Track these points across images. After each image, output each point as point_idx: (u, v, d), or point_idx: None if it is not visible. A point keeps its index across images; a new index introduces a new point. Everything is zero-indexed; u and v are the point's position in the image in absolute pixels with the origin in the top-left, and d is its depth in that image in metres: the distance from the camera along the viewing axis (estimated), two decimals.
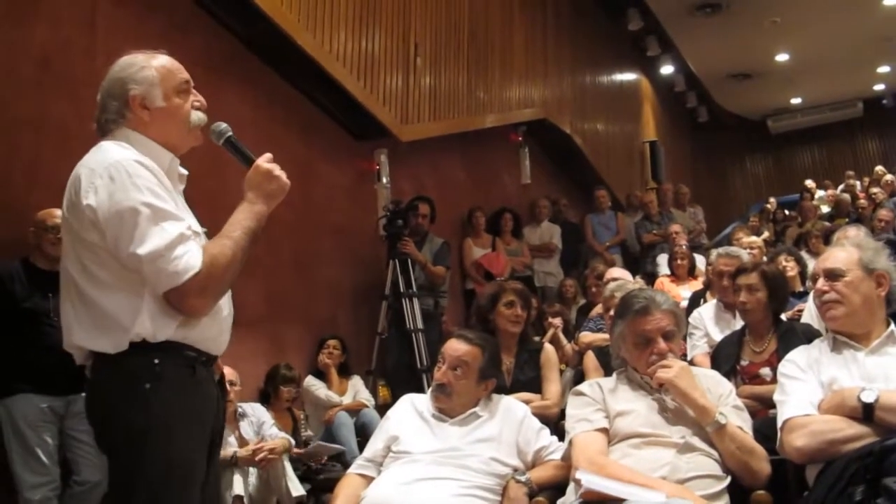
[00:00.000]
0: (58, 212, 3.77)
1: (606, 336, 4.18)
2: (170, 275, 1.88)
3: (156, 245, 1.87)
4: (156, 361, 1.92)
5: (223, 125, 2.16)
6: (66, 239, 2.03)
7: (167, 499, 1.89)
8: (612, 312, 3.85)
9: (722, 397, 2.52)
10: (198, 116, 2.13)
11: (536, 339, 4.42)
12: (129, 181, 1.91)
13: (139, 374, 1.91)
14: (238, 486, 3.95)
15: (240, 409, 4.41)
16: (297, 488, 4.09)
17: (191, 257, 1.90)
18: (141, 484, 1.87)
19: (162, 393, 1.91)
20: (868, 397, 2.20)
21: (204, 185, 2.27)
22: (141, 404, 1.90)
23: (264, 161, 2.10)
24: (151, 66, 2.10)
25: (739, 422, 2.45)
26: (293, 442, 4.49)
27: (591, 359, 3.92)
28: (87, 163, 1.98)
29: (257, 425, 4.46)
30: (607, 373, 3.41)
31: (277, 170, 2.09)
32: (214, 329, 2.06)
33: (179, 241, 1.90)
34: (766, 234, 10.01)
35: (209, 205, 2.21)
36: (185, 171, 2.21)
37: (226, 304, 2.11)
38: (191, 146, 2.18)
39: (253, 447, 4.11)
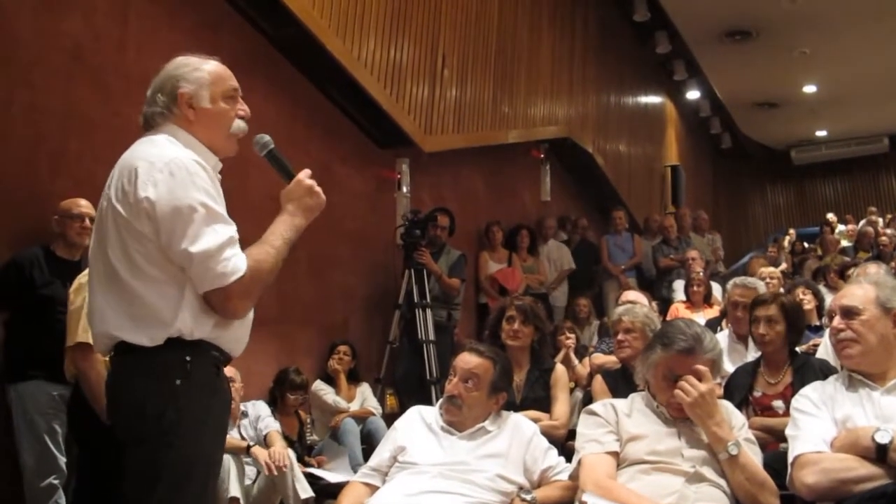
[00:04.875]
0: (83, 201, 3.84)
1: (616, 359, 4.15)
2: (217, 275, 1.93)
3: (208, 245, 1.93)
4: (187, 359, 1.97)
5: (266, 137, 2.21)
6: (111, 228, 2.02)
7: (189, 491, 1.94)
8: (620, 336, 3.84)
9: (734, 429, 2.49)
10: (238, 125, 2.19)
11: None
12: (188, 179, 1.96)
13: (171, 370, 1.96)
14: (234, 488, 3.93)
15: (242, 409, 4.42)
16: (305, 489, 4.06)
17: (238, 260, 1.96)
18: (166, 475, 1.92)
19: (191, 390, 1.97)
20: (883, 438, 2.16)
21: (224, 185, 2.28)
22: (173, 399, 1.94)
23: (305, 176, 2.17)
24: (204, 68, 2.16)
25: (751, 455, 2.42)
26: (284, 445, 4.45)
27: (599, 382, 3.88)
28: (143, 155, 2.00)
29: (254, 419, 4.45)
30: (615, 396, 3.39)
31: (316, 185, 2.17)
32: (241, 331, 2.13)
33: (229, 244, 1.97)
34: (783, 266, 9.95)
35: (229, 204, 2.23)
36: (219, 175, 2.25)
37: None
38: (228, 154, 2.23)
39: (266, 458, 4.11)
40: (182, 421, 1.94)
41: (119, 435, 2.03)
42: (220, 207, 2.01)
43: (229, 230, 1.99)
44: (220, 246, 1.94)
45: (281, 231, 2.09)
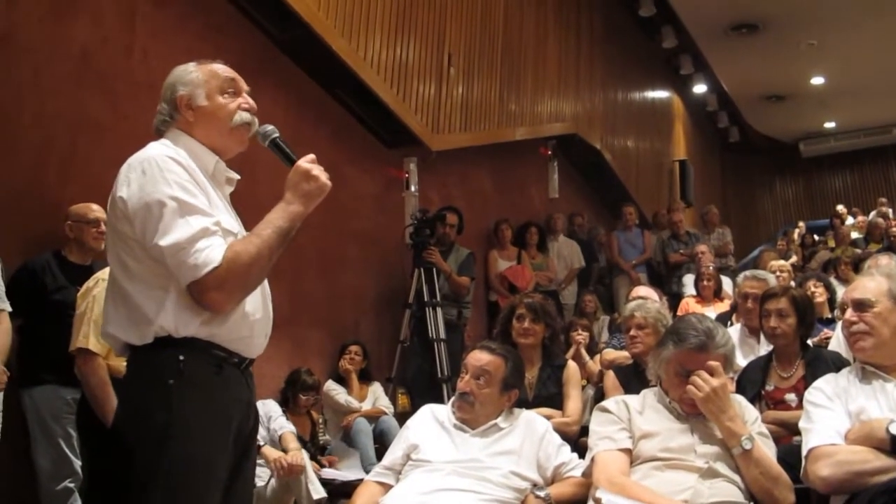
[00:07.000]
0: (95, 206, 3.86)
1: (628, 354, 4.14)
2: (189, 267, 1.89)
3: (177, 238, 1.89)
4: (181, 358, 1.93)
5: (269, 127, 2.17)
6: (107, 232, 2.09)
7: (185, 496, 1.89)
8: (632, 332, 3.84)
9: (747, 424, 2.48)
10: (241, 116, 2.15)
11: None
12: (159, 175, 1.94)
13: (163, 370, 1.92)
14: None
15: None
16: (317, 491, 4.06)
17: (212, 251, 1.90)
18: (160, 480, 1.87)
19: (185, 390, 1.92)
20: None
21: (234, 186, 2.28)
22: (163, 400, 1.90)
23: (305, 161, 2.10)
24: (197, 69, 2.15)
25: (765, 449, 2.42)
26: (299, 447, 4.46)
27: (610, 378, 3.89)
28: (129, 160, 2.02)
29: (265, 418, 4.45)
30: (627, 392, 3.39)
31: (317, 170, 2.08)
32: (244, 330, 2.06)
33: (202, 235, 1.91)
34: (793, 259, 9.91)
35: (238, 204, 2.23)
36: (235, 175, 2.24)
37: (259, 307, 2.11)
38: (236, 149, 2.20)
39: (279, 457, 4.10)
40: (174, 422, 1.89)
41: (123, 437, 2.00)
42: (197, 200, 1.95)
43: (203, 221, 1.93)
44: (190, 238, 1.89)
45: (272, 220, 2.01)
